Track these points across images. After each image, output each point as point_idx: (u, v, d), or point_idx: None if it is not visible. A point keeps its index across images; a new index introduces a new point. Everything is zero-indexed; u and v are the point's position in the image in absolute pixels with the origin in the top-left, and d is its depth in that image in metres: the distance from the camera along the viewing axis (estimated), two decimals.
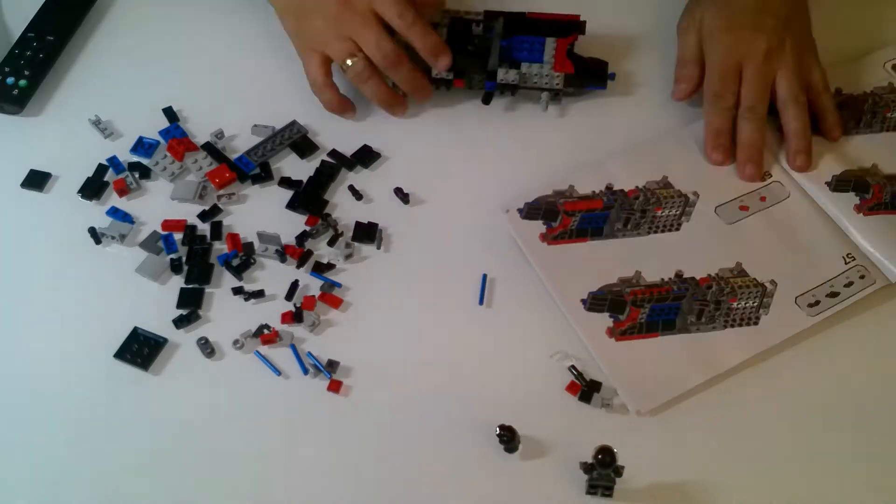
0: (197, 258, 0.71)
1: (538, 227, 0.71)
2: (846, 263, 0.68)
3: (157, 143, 0.78)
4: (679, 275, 0.68)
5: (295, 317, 0.68)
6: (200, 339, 0.67)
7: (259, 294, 0.69)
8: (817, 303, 0.67)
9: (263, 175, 0.75)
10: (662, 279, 0.68)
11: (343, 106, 0.78)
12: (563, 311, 0.67)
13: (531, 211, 0.71)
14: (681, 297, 0.67)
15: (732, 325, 0.66)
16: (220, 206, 0.74)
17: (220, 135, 0.78)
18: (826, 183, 0.72)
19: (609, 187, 0.73)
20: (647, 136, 0.77)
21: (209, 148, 0.77)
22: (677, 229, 0.71)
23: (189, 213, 0.74)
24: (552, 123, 0.78)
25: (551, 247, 0.70)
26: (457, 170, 0.76)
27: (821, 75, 0.75)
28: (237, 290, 0.69)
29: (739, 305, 0.67)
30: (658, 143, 0.76)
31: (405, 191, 0.74)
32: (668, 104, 0.79)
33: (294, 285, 0.69)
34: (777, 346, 0.65)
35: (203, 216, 0.73)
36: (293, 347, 0.66)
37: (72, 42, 0.85)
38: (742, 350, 0.65)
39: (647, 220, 0.71)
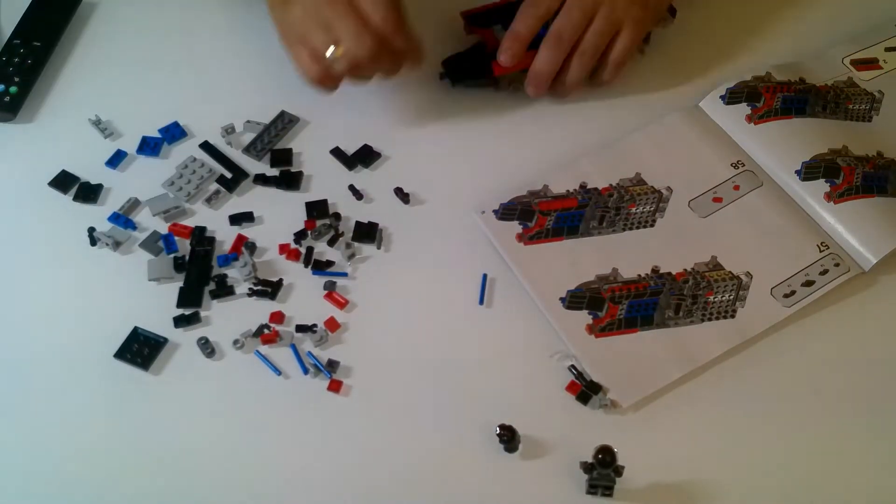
0: (199, 259, 0.71)
1: (514, 227, 0.71)
2: (820, 252, 0.69)
3: (162, 140, 0.78)
4: (655, 270, 0.69)
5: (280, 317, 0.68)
6: (200, 339, 0.67)
7: (263, 293, 0.69)
8: (793, 293, 0.67)
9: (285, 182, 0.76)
10: (639, 275, 0.69)
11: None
12: (543, 311, 0.68)
13: (506, 212, 0.72)
14: (658, 293, 0.68)
15: (710, 319, 0.67)
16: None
17: (230, 129, 0.78)
18: (795, 171, 0.73)
19: (583, 186, 0.73)
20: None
21: (208, 148, 0.77)
22: (652, 225, 0.71)
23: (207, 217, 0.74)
24: (554, 122, 0.79)
25: (528, 247, 0.70)
26: (457, 169, 0.76)
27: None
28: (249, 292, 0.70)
29: (716, 299, 0.67)
30: (629, 139, 0.76)
31: (405, 191, 0.74)
32: (641, 102, 0.80)
33: (278, 283, 0.69)
34: (756, 337, 0.66)
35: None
36: (293, 347, 0.67)
37: (59, 46, 0.85)
38: (720, 343, 0.66)
39: (621, 217, 0.71)
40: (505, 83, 0.79)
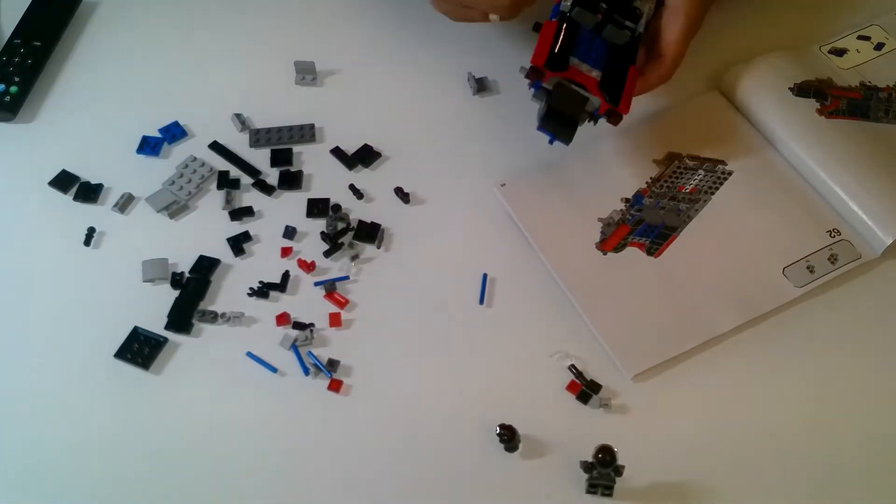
0: (204, 269, 0.71)
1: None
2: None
3: (162, 140, 0.78)
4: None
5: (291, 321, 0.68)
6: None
7: (264, 294, 0.69)
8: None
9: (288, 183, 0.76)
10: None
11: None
12: (555, 277, 0.69)
13: (802, 88, 0.75)
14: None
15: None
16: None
17: (212, 137, 0.78)
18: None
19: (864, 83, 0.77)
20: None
21: (217, 148, 0.78)
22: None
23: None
24: None
25: (828, 120, 0.73)
26: (457, 169, 0.76)
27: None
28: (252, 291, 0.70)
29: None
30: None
31: (405, 191, 0.74)
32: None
33: (286, 276, 0.70)
34: (763, 328, 0.67)
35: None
36: (294, 348, 0.67)
37: (59, 46, 0.85)
38: (730, 318, 0.66)
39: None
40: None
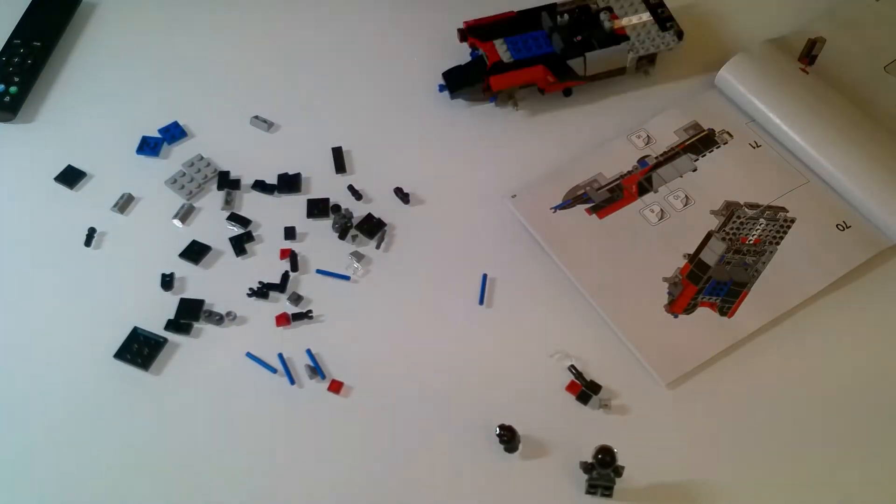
0: (193, 255, 0.71)
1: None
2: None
3: (162, 140, 0.78)
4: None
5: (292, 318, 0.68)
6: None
7: (264, 294, 0.70)
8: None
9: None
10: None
11: None
12: (578, 287, 0.68)
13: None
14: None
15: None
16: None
17: (212, 137, 0.78)
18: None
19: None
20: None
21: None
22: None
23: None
24: (550, 118, 0.79)
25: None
26: (456, 169, 0.76)
27: None
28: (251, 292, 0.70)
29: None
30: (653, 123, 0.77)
31: (405, 191, 0.74)
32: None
33: (285, 277, 0.70)
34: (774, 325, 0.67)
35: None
36: (280, 357, 0.67)
37: (59, 46, 0.85)
38: (756, 318, 0.66)
39: None
40: (504, 98, 0.79)
